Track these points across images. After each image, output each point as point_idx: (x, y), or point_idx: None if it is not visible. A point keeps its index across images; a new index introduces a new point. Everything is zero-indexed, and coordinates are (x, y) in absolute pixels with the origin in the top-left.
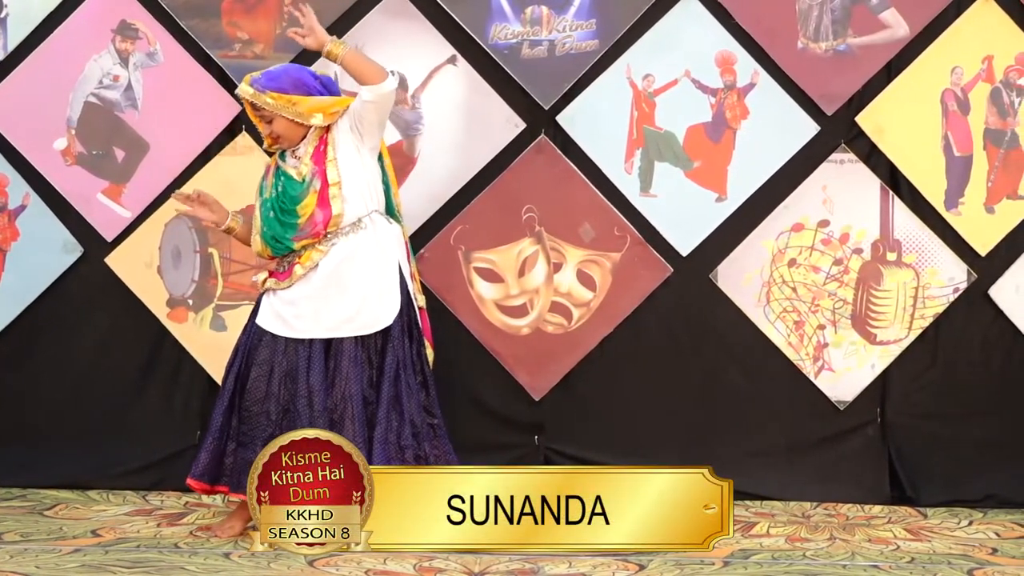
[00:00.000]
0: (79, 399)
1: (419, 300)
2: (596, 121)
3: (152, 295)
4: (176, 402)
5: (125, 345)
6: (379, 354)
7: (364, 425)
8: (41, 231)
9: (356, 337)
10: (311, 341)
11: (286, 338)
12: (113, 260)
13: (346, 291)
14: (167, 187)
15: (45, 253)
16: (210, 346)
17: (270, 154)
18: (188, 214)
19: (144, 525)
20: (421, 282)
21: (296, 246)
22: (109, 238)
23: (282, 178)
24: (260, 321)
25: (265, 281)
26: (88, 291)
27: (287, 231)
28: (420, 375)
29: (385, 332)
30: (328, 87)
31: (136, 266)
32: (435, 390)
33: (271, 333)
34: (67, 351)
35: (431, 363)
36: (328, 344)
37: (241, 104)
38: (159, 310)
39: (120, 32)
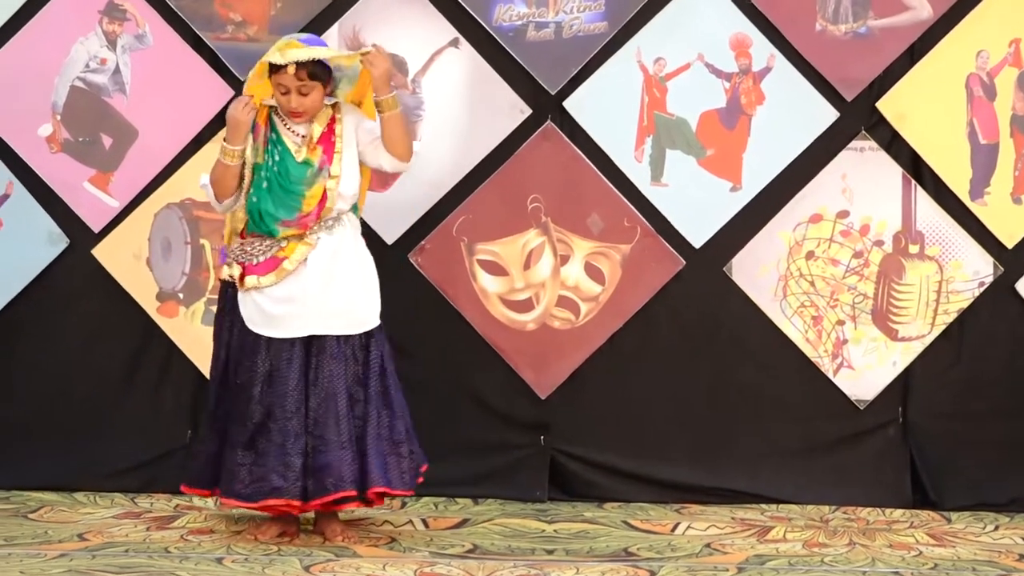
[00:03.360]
0: (65, 396)
1: None
2: (605, 107)
3: (141, 288)
4: (166, 400)
5: (113, 340)
6: (363, 350)
7: (350, 423)
8: (25, 221)
9: (338, 335)
10: (294, 340)
11: (271, 338)
12: (100, 251)
13: (335, 288)
14: (156, 176)
15: (29, 244)
16: (201, 341)
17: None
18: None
19: (133, 529)
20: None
21: (279, 233)
22: (96, 229)
23: (279, 148)
24: (249, 323)
25: (243, 278)
26: (74, 284)
27: (280, 212)
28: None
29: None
30: None
31: (124, 258)
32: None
33: (257, 334)
34: (52, 346)
35: None
36: (309, 342)
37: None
38: (148, 304)
39: (107, 13)
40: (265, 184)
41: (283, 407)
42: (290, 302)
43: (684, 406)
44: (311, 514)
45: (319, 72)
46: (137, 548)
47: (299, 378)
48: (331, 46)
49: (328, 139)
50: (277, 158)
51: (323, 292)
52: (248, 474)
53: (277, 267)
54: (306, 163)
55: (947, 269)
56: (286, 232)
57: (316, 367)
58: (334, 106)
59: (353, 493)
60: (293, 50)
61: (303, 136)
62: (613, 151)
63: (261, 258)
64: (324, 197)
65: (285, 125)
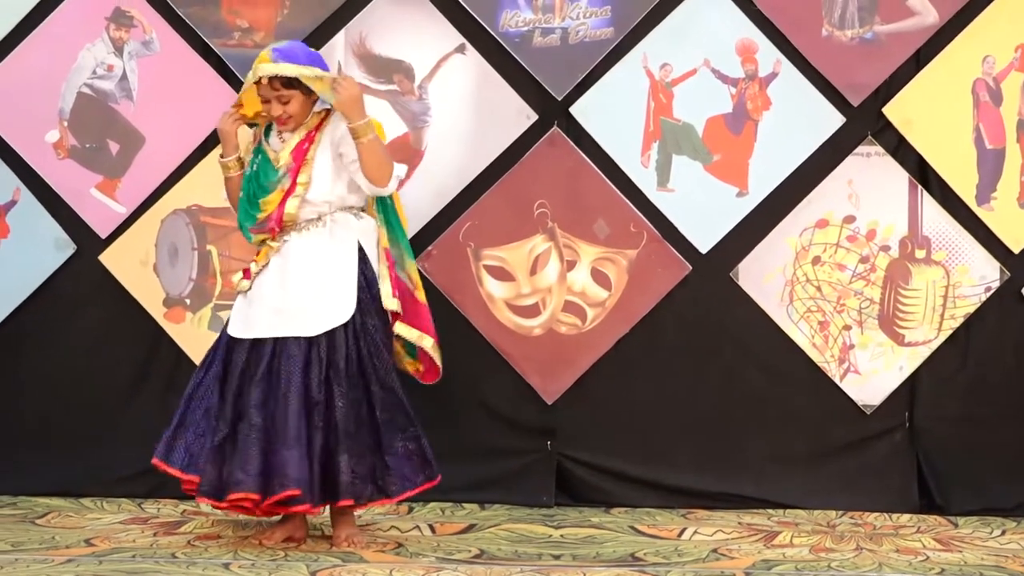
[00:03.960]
0: (72, 402)
1: (391, 304)
2: (611, 113)
3: (148, 294)
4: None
5: (120, 346)
6: (329, 350)
7: (301, 423)
8: (32, 228)
9: (305, 337)
10: (264, 340)
11: (246, 339)
12: (107, 258)
13: (287, 290)
14: (163, 182)
15: (36, 250)
16: (208, 347)
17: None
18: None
19: (140, 534)
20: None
21: (253, 239)
22: (103, 235)
23: (259, 156)
24: (229, 328)
25: (240, 282)
26: (81, 290)
27: (247, 220)
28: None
29: (351, 332)
30: (322, 64)
31: (131, 264)
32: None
33: (237, 337)
34: (59, 352)
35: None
36: (275, 343)
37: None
38: (155, 310)
39: (114, 20)
40: (243, 194)
41: (244, 407)
42: (252, 304)
43: (690, 411)
44: (316, 520)
45: (295, 79)
46: (144, 553)
47: (267, 377)
48: (334, 51)
49: (301, 146)
50: (255, 168)
51: (274, 295)
52: (216, 471)
53: (249, 270)
54: (277, 170)
55: (953, 274)
56: (257, 237)
57: (276, 368)
58: (329, 112)
59: (297, 492)
60: (264, 65)
61: (284, 140)
62: (619, 157)
63: (250, 261)
64: (283, 202)
65: (278, 134)
